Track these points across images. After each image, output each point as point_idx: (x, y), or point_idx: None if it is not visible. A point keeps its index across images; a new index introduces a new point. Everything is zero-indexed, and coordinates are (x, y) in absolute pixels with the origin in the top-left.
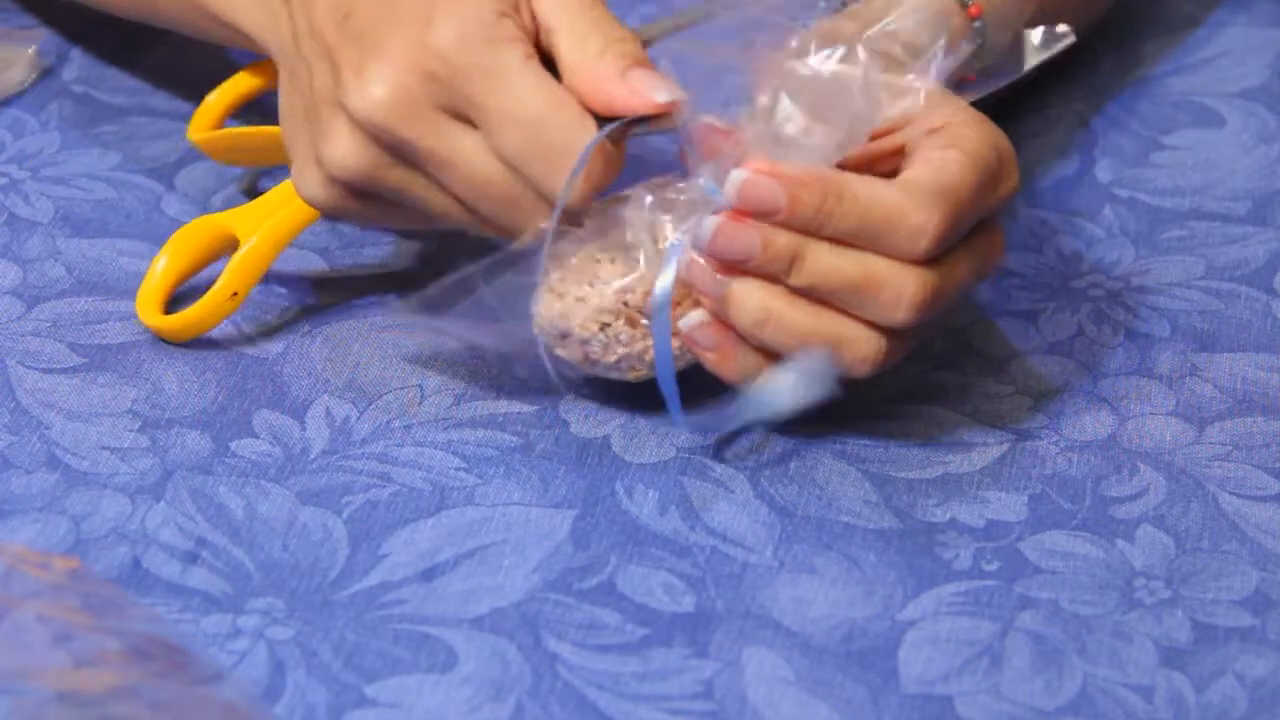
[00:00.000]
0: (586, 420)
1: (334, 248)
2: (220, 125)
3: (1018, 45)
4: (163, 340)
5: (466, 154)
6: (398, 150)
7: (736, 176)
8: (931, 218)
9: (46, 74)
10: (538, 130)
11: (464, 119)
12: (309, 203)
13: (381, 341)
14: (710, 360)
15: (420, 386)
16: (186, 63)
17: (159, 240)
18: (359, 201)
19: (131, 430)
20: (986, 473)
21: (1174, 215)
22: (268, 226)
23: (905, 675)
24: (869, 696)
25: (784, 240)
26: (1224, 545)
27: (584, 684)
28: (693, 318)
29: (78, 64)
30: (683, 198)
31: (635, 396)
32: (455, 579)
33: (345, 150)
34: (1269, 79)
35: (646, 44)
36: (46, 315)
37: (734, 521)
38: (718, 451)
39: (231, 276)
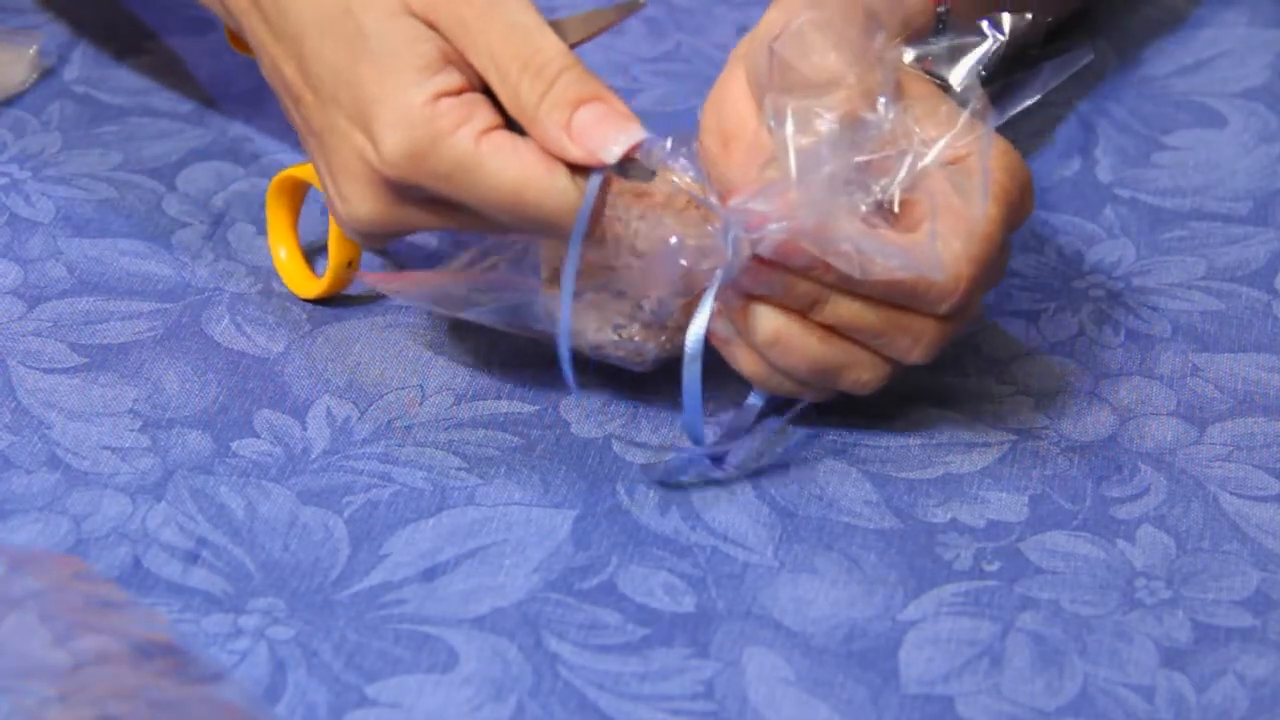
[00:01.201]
0: (587, 420)
1: None
2: None
3: (1037, 66)
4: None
5: (468, 223)
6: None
7: (775, 236)
8: (960, 284)
9: (48, 74)
10: (518, 208)
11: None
12: None
13: (382, 341)
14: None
15: (421, 386)
16: (187, 63)
17: (160, 240)
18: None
19: (132, 430)
20: (987, 473)
21: (1175, 215)
22: None
23: (906, 675)
24: (869, 697)
25: (808, 286)
26: (1225, 545)
27: (585, 684)
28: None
29: (79, 64)
30: (709, 243)
31: (636, 396)
32: (456, 579)
33: (355, 237)
34: (1270, 79)
35: (583, 41)
36: (47, 315)
37: (735, 521)
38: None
39: (339, 251)
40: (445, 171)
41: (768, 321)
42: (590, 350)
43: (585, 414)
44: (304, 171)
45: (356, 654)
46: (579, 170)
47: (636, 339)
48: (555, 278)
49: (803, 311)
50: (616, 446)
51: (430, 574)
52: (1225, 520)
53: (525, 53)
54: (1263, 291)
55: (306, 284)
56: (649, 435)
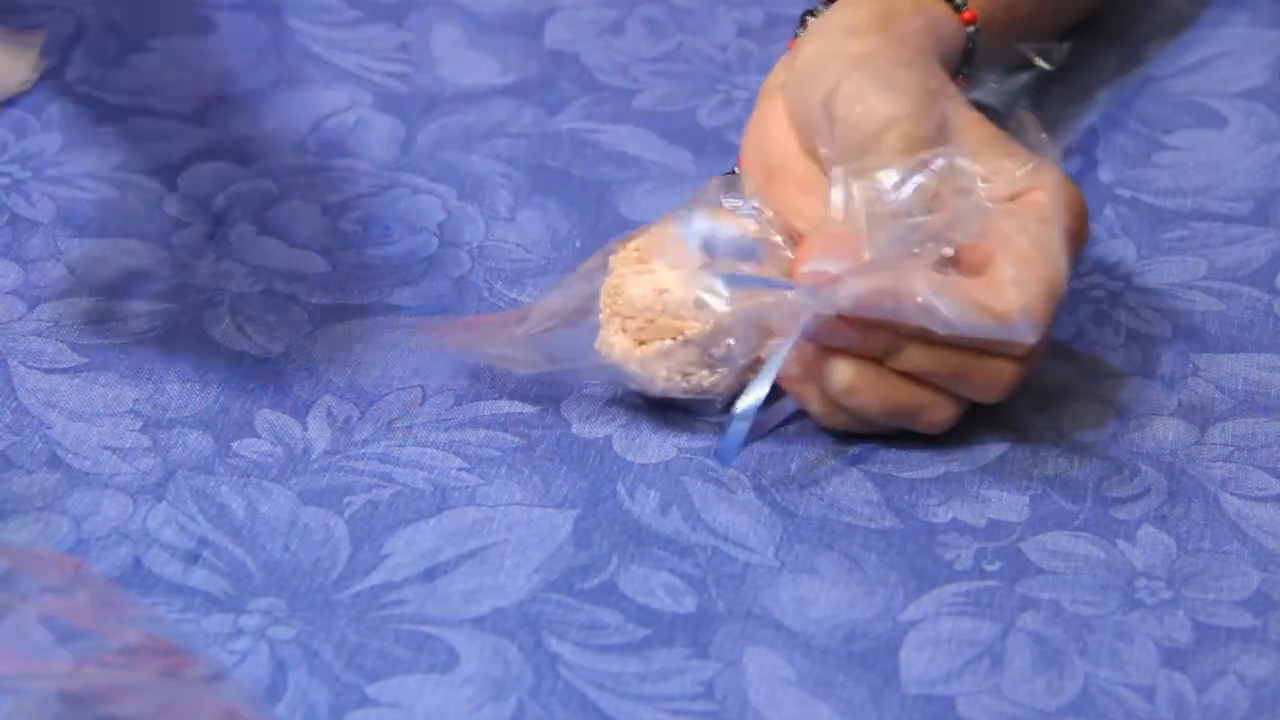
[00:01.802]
0: (588, 420)
1: (335, 248)
2: None
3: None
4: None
5: None
6: None
7: (850, 298)
8: (1037, 328)
9: (48, 74)
10: None
11: None
12: None
13: (383, 341)
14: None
15: (422, 386)
16: (188, 63)
17: (161, 241)
18: None
19: (133, 430)
20: (988, 472)
21: (1175, 215)
22: None
23: (906, 676)
24: (870, 697)
25: (883, 336)
26: (1225, 546)
27: (585, 684)
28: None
29: (80, 64)
30: (779, 300)
31: (637, 397)
32: (457, 579)
33: None
34: (1270, 79)
35: None
36: (48, 315)
37: (735, 521)
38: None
39: None
40: None
41: (843, 373)
42: (654, 395)
43: (586, 414)
44: None
45: (357, 654)
46: None
47: (705, 385)
48: (610, 327)
49: (878, 359)
50: (617, 446)
51: (431, 574)
52: (1226, 521)
53: None
54: (1263, 291)
55: None
56: (650, 435)
